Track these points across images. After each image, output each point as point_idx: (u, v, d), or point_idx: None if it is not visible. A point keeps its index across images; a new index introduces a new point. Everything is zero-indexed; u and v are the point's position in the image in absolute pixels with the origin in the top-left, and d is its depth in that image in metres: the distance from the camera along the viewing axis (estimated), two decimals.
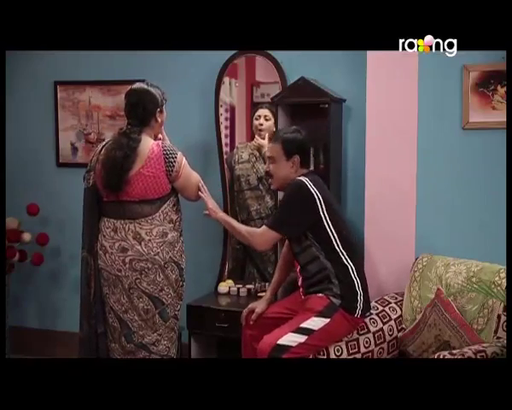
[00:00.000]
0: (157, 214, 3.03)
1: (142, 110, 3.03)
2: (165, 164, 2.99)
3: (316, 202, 3.00)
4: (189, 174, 3.11)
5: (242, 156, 3.98)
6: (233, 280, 3.97)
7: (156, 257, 3.01)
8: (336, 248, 3.02)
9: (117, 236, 3.04)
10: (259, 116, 3.87)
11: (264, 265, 3.94)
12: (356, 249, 3.11)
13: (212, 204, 3.22)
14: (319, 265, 3.03)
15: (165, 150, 3.01)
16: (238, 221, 3.95)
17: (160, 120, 3.10)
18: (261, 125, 3.85)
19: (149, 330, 3.08)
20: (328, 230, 3.01)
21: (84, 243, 3.20)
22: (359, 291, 3.02)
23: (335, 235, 3.02)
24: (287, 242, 3.35)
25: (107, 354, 3.17)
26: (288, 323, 2.97)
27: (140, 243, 3.01)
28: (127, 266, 3.02)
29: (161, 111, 3.10)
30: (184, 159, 3.07)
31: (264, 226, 3.09)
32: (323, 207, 3.01)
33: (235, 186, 3.98)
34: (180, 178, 3.05)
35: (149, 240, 3.01)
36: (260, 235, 3.08)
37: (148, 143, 3.01)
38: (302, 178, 3.06)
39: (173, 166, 3.00)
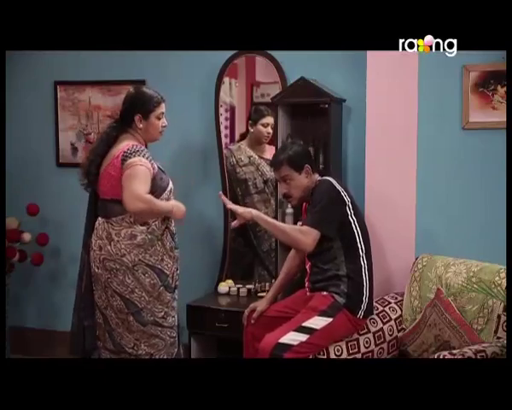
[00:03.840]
0: (127, 215, 2.97)
1: (123, 108, 3.08)
2: (121, 164, 2.94)
3: (345, 201, 3.05)
4: (132, 179, 2.87)
5: (242, 159, 3.97)
6: (239, 281, 3.95)
7: (124, 258, 2.98)
8: (358, 245, 3.05)
9: (97, 233, 3.07)
10: (267, 124, 3.84)
11: (273, 266, 3.91)
12: (370, 248, 3.13)
13: (243, 208, 3.17)
14: (334, 264, 3.05)
15: (127, 150, 2.95)
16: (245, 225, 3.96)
17: (141, 126, 3.03)
18: (269, 133, 3.84)
19: (126, 331, 3.06)
20: (354, 229, 3.05)
21: (83, 238, 3.24)
22: (366, 292, 3.03)
23: (359, 232, 3.06)
24: None
25: (94, 348, 3.18)
26: (291, 321, 2.98)
27: (110, 243, 3.01)
28: (101, 264, 3.04)
29: (146, 119, 3.03)
30: (142, 167, 2.90)
31: (306, 226, 3.00)
32: (350, 205, 3.06)
33: (240, 190, 3.97)
34: (123, 176, 2.91)
35: (118, 241, 2.99)
36: (307, 234, 2.99)
37: (122, 144, 3.00)
38: (328, 178, 3.12)
39: (124, 165, 2.93)
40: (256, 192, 3.91)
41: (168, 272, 3.05)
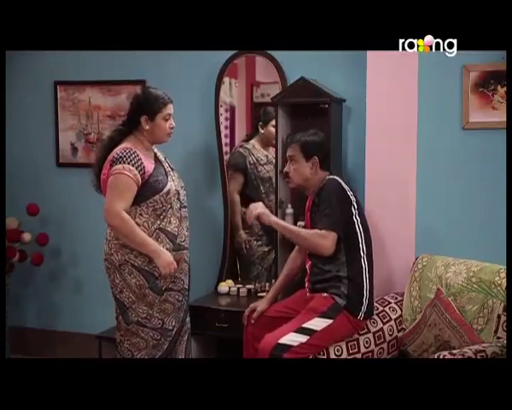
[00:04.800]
0: None
1: (129, 109, 3.10)
2: (109, 168, 2.98)
3: (351, 200, 3.05)
4: (112, 191, 2.93)
5: (261, 157, 3.98)
6: (240, 281, 3.95)
7: (112, 258, 3.02)
8: (360, 246, 3.05)
9: None
10: None
11: None
12: (371, 249, 3.13)
13: (264, 207, 3.20)
14: (334, 265, 3.05)
15: (116, 155, 2.96)
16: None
17: (147, 127, 3.03)
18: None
19: (116, 330, 3.13)
20: (357, 229, 3.05)
21: None
22: (366, 294, 3.03)
23: (362, 233, 3.06)
24: (297, 247, 3.35)
25: None
26: (291, 322, 2.98)
27: (105, 243, 3.06)
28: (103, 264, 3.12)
29: (152, 120, 3.02)
30: (124, 176, 2.91)
31: (323, 230, 2.98)
32: (355, 205, 3.06)
33: (264, 188, 3.95)
34: (107, 182, 2.96)
35: (109, 240, 3.04)
36: (326, 238, 2.98)
37: (119, 147, 3.00)
38: (336, 178, 3.11)
39: (111, 170, 2.96)
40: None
41: (157, 275, 3.01)
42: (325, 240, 2.98)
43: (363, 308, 3.01)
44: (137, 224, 2.97)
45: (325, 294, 3.03)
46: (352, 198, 3.06)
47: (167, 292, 3.07)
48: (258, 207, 3.19)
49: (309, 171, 3.14)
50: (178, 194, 3.10)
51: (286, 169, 3.22)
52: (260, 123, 3.94)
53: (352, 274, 3.02)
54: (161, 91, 3.08)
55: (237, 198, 3.99)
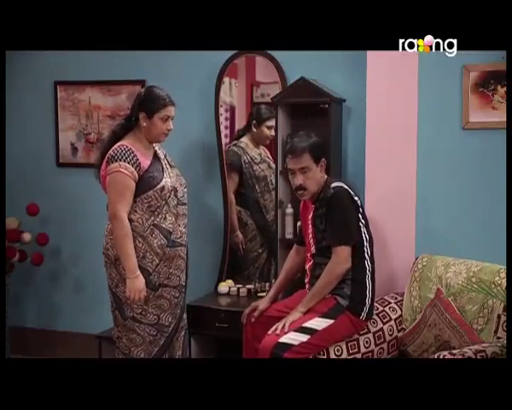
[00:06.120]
0: None
1: (132, 105, 3.15)
2: (106, 166, 3.01)
3: (358, 206, 3.05)
4: (111, 190, 2.99)
5: (255, 156, 3.97)
6: (239, 281, 3.94)
7: (108, 252, 3.06)
8: (364, 248, 3.04)
9: None
10: (272, 126, 3.78)
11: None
12: (373, 251, 3.12)
13: (292, 316, 2.99)
14: None
15: (112, 152, 3.00)
16: (266, 219, 3.92)
17: (145, 124, 3.04)
18: (272, 135, 3.80)
19: (114, 324, 3.14)
20: (362, 232, 3.04)
21: None
22: (368, 294, 3.03)
23: (366, 236, 3.06)
24: (295, 245, 3.36)
25: None
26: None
27: (104, 238, 3.10)
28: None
29: (150, 118, 3.03)
30: (119, 174, 2.95)
31: (335, 247, 2.97)
32: (360, 209, 3.06)
33: (259, 187, 3.96)
34: (106, 181, 3.01)
35: (106, 235, 3.08)
36: (339, 259, 2.96)
37: (117, 144, 3.03)
38: (343, 185, 3.07)
39: (107, 168, 3.00)
40: (273, 189, 3.87)
41: (151, 270, 3.03)
42: (340, 263, 2.96)
43: (366, 309, 3.01)
44: (132, 219, 3.00)
45: (328, 294, 3.02)
46: (359, 203, 3.06)
47: (162, 288, 3.09)
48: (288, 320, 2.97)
49: (319, 175, 3.10)
50: (175, 191, 3.10)
51: (299, 182, 3.05)
52: (254, 122, 3.93)
53: (356, 275, 3.02)
54: (165, 92, 3.08)
55: (233, 198, 3.99)
